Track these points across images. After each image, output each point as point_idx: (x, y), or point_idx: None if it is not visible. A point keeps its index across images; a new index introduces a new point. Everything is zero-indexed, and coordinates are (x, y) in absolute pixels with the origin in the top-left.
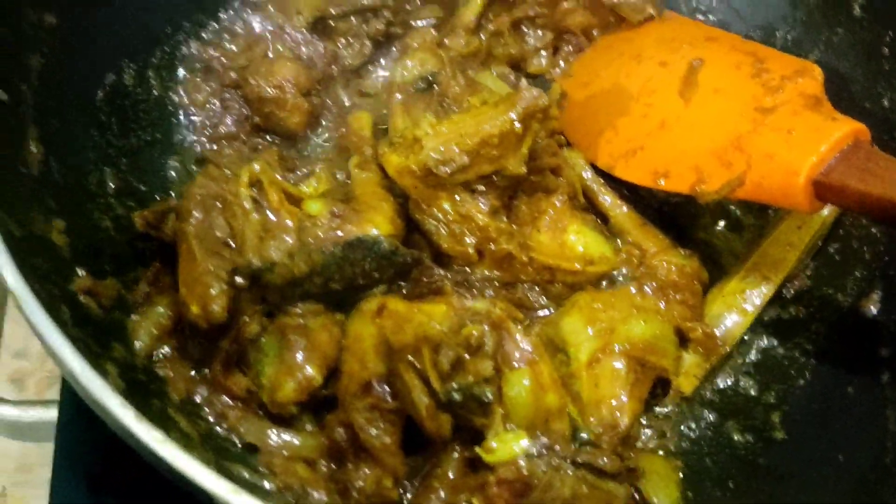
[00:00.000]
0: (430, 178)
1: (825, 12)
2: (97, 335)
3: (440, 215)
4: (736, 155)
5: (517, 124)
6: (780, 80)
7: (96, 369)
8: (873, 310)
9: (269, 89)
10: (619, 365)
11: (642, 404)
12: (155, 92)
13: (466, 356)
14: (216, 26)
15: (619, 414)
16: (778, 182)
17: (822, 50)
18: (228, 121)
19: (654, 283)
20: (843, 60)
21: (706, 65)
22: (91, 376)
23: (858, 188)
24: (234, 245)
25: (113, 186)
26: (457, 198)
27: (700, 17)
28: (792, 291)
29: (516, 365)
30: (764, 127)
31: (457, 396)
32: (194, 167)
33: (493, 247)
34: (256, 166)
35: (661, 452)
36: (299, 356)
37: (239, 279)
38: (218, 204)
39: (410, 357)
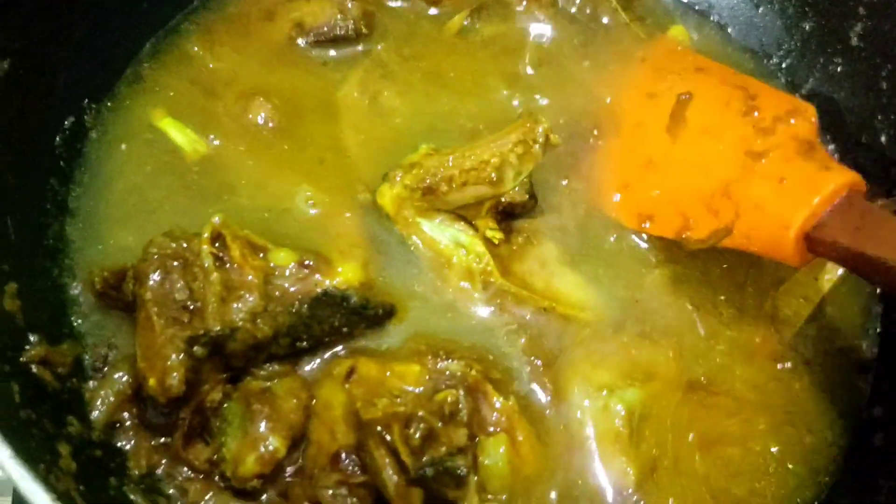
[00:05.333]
0: (424, 199)
1: (821, 40)
2: (52, 411)
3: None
4: (724, 202)
5: (519, 147)
6: (772, 120)
7: (39, 478)
8: None
9: None
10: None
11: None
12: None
13: (440, 425)
14: None
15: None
16: (767, 234)
17: (818, 79)
18: None
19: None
20: (839, 91)
21: (695, 99)
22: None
23: (851, 246)
24: (193, 309)
25: (78, 237)
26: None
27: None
28: None
29: (492, 430)
30: (754, 174)
31: (429, 472)
32: None
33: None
34: (217, 219)
35: None
36: (263, 426)
37: (198, 349)
38: (177, 264)
39: (380, 429)
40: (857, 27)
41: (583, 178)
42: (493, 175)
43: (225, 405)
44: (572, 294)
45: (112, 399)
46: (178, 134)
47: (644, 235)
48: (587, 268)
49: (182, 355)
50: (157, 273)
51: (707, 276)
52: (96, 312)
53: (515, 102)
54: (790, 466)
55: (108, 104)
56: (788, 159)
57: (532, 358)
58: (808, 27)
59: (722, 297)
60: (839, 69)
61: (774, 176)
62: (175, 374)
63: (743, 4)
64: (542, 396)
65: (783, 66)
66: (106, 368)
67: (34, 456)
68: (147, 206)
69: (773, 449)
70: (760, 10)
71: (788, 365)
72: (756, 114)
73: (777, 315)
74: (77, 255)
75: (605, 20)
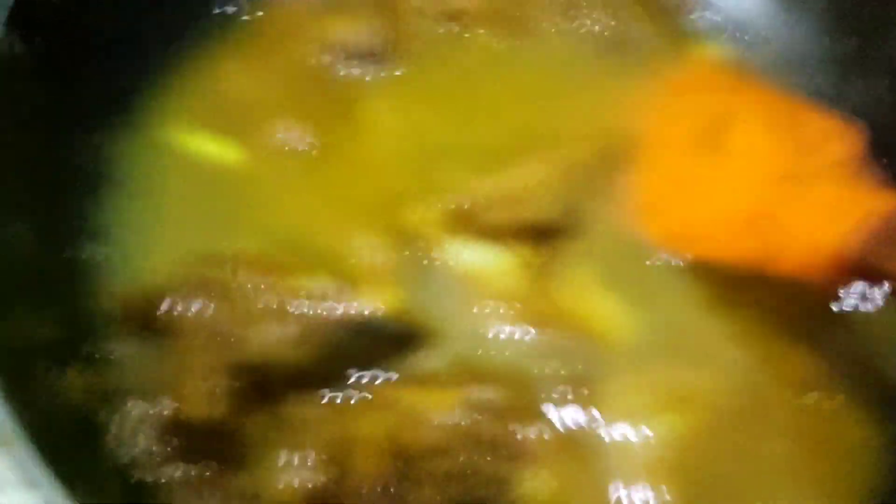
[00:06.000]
0: (458, 222)
1: (863, 58)
2: (84, 444)
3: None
4: (764, 226)
5: (556, 169)
6: (815, 141)
7: None
8: None
9: None
10: None
11: None
12: None
13: (478, 455)
14: None
15: None
16: (813, 260)
17: (861, 98)
18: None
19: None
20: (883, 110)
21: (731, 118)
22: None
23: None
24: (231, 336)
25: (104, 260)
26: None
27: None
28: None
29: (531, 460)
30: (797, 198)
31: None
32: None
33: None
34: (249, 241)
35: None
36: (301, 457)
37: (236, 377)
38: (209, 288)
39: (419, 460)
40: None
41: (617, 199)
42: (527, 197)
43: (262, 435)
44: (608, 317)
45: (145, 430)
46: (208, 143)
47: (680, 258)
48: (623, 291)
49: (220, 384)
50: (189, 298)
51: (746, 301)
52: (126, 338)
53: (548, 122)
54: (835, 499)
55: (133, 122)
56: (832, 182)
57: (568, 384)
58: (849, 45)
59: (761, 323)
60: (884, 88)
61: (818, 200)
62: (213, 403)
63: (779, 20)
64: (580, 424)
65: (822, 85)
66: (138, 398)
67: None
68: (175, 226)
69: (819, 480)
70: (798, 26)
71: (830, 393)
72: (798, 134)
73: (817, 339)
74: (104, 280)
75: (633, 36)
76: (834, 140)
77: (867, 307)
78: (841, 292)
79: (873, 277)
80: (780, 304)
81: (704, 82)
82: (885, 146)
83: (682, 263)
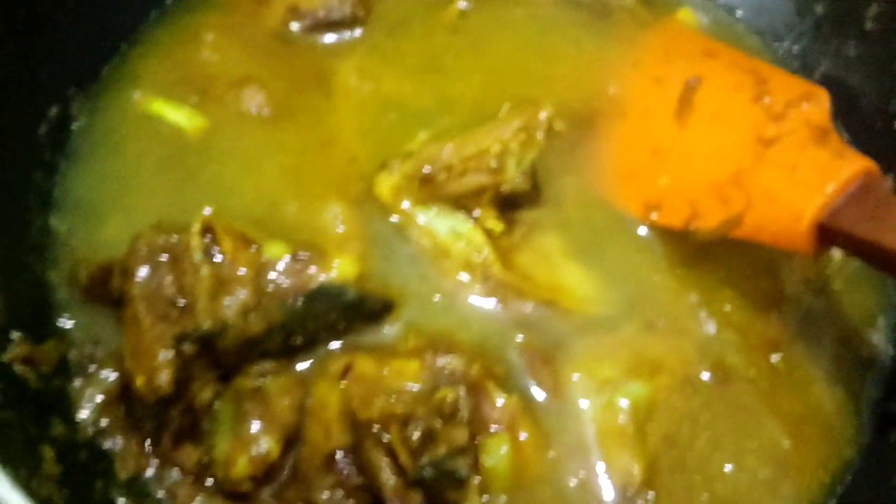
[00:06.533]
0: (422, 189)
1: (834, 23)
2: (35, 412)
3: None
4: (734, 191)
5: (521, 134)
6: (784, 106)
7: (20, 485)
8: None
9: None
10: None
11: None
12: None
13: (439, 424)
14: None
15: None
16: (779, 224)
17: (831, 63)
18: None
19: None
20: (853, 75)
21: (704, 84)
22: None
23: (866, 236)
24: (186, 305)
25: (64, 230)
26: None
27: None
28: None
29: (494, 429)
30: (765, 162)
31: (428, 473)
32: None
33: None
34: (207, 210)
35: None
36: (255, 427)
37: (187, 346)
38: (166, 258)
39: (377, 429)
40: (871, 9)
41: (587, 167)
42: (493, 163)
43: (215, 405)
44: (575, 287)
45: (98, 399)
46: (173, 112)
47: (650, 226)
48: (591, 260)
49: (171, 353)
50: (144, 268)
51: (715, 268)
52: (82, 309)
53: (517, 88)
54: (803, 464)
55: (95, 92)
56: (801, 146)
57: (534, 353)
58: (820, 9)
59: (730, 290)
60: (853, 53)
61: (786, 163)
62: (163, 373)
63: None
64: (544, 393)
65: (795, 49)
66: (92, 367)
67: (16, 461)
68: (136, 196)
69: (786, 445)
70: None
71: (797, 360)
72: (767, 99)
73: (783, 304)
74: (62, 250)
75: (609, 3)
76: (803, 104)
77: (836, 272)
78: (811, 256)
79: (841, 241)
80: (748, 271)
81: (678, 48)
82: (852, 109)
83: (651, 231)
